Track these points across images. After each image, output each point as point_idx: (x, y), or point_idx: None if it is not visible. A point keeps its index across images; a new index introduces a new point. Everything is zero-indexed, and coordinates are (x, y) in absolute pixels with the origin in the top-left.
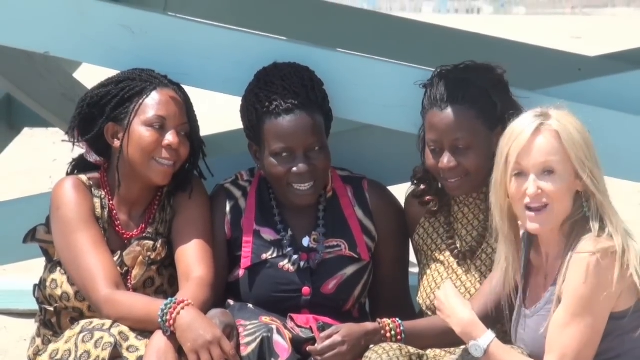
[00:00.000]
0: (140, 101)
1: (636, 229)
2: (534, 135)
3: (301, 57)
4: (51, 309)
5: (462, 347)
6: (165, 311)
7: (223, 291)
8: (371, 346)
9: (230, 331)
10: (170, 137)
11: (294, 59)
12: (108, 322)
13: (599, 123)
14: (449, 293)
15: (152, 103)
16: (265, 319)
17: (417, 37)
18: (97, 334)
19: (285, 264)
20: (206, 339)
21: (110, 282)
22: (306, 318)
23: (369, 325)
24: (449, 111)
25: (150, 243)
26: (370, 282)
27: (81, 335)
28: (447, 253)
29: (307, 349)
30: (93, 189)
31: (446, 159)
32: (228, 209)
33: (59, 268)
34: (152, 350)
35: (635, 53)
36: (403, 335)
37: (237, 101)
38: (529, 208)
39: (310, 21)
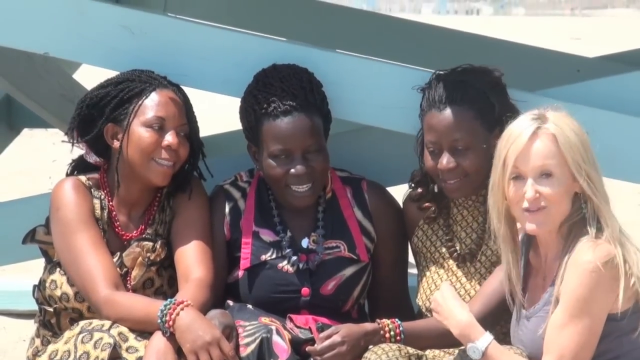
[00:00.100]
0: (140, 102)
1: (635, 230)
2: (531, 139)
3: (300, 58)
4: (50, 309)
5: (461, 347)
6: (164, 312)
7: (222, 292)
8: (370, 347)
9: (230, 332)
10: (169, 138)
11: (293, 60)
12: (107, 323)
13: (598, 124)
14: (447, 295)
15: (152, 104)
16: (265, 319)
17: (416, 38)
18: (97, 335)
19: (284, 265)
20: (205, 339)
21: (109, 283)
22: (305, 319)
23: (368, 326)
24: (447, 112)
25: (149, 244)
26: (369, 283)
27: (80, 336)
28: (447, 255)
29: (307, 349)
30: (92, 190)
31: (445, 160)
32: (227, 210)
33: (58, 269)
34: (152, 351)
35: (634, 54)
36: (402, 336)
37: (236, 102)
38: (525, 211)
39: (309, 22)
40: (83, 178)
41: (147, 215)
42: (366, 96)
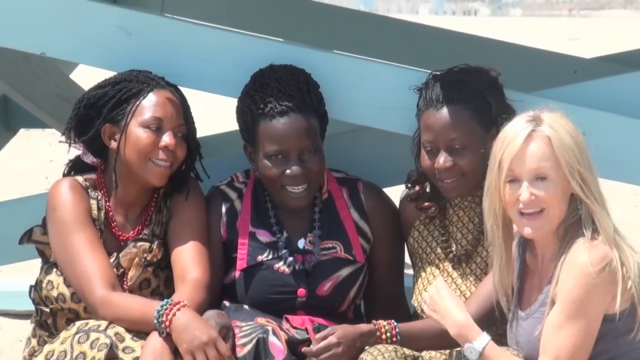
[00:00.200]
0: (137, 102)
1: (632, 230)
2: (526, 142)
3: (298, 58)
4: (47, 310)
5: (457, 349)
6: (161, 312)
7: (219, 292)
8: (366, 348)
9: (226, 332)
10: (167, 139)
11: (290, 61)
12: (104, 323)
13: (595, 125)
14: (444, 295)
15: (149, 104)
16: (261, 320)
17: (413, 39)
18: (93, 335)
19: (280, 265)
20: (202, 340)
21: (106, 284)
22: (301, 319)
23: (364, 327)
24: (444, 111)
25: (146, 244)
26: (365, 283)
27: (77, 336)
28: (442, 256)
29: (303, 350)
30: (89, 190)
31: (442, 159)
32: (224, 210)
33: (55, 269)
34: (148, 352)
35: (631, 55)
36: (398, 337)
37: (233, 102)
38: (522, 213)
39: (306, 23)
40: (80, 178)
41: (144, 216)
42: (363, 97)
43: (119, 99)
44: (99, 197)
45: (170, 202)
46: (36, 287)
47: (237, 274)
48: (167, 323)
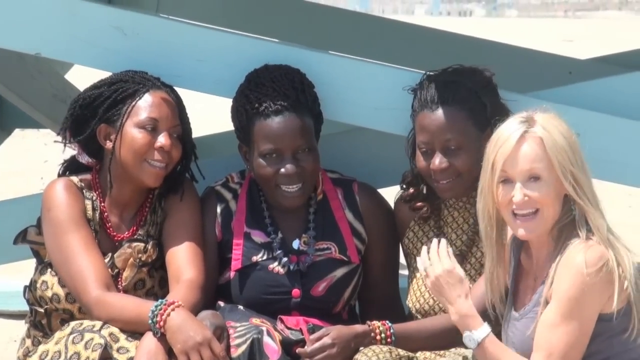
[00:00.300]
0: (133, 103)
1: (626, 231)
2: (518, 143)
3: (293, 59)
4: (41, 310)
5: (452, 350)
6: (155, 312)
7: (213, 293)
8: (361, 348)
9: (221, 333)
10: (162, 139)
11: (285, 61)
12: (98, 324)
13: (589, 126)
14: (453, 281)
15: (145, 105)
16: (256, 320)
17: (409, 40)
18: (88, 335)
19: (275, 266)
20: (196, 340)
21: (100, 284)
22: (296, 320)
23: (358, 328)
24: (439, 112)
25: (141, 245)
26: (360, 284)
27: (71, 337)
28: None
29: (297, 351)
30: (84, 191)
31: (438, 160)
32: (219, 211)
33: (49, 269)
34: (143, 352)
35: (626, 56)
36: (393, 338)
37: (229, 102)
38: (515, 215)
39: (302, 23)
40: (75, 179)
41: (139, 216)
42: (358, 97)
43: (114, 99)
44: (94, 198)
45: (165, 202)
46: (30, 288)
47: (231, 274)
48: (161, 323)
